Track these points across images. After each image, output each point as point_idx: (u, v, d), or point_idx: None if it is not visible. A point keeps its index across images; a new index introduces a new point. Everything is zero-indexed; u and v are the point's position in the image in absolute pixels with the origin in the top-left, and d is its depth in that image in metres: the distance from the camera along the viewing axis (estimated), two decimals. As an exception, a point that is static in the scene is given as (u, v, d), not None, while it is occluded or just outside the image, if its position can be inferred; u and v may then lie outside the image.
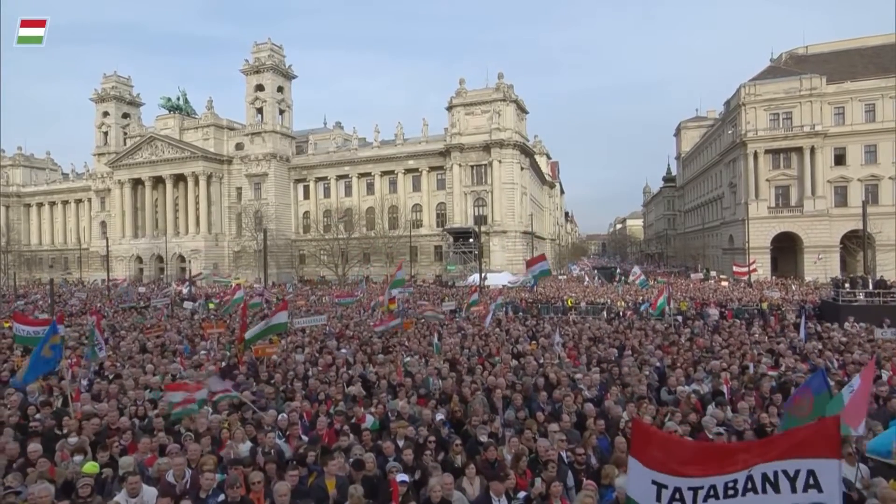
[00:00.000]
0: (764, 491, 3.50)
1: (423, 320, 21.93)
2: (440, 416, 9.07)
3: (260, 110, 72.81)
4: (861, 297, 24.29)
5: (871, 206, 42.14)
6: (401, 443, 7.67)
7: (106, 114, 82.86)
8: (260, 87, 72.28)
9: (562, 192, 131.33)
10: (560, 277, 58.43)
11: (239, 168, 73.54)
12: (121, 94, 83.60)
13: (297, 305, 30.34)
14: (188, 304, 32.48)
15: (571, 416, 8.82)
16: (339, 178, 72.36)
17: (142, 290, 47.85)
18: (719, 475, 3.50)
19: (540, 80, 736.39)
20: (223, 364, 14.09)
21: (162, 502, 5.61)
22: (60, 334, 10.54)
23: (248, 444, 7.88)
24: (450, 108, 64.46)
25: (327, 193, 73.62)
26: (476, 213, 63.67)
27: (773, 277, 51.64)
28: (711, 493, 3.51)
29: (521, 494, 6.20)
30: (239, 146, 73.95)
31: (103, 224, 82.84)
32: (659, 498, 3.58)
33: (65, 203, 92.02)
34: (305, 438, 8.26)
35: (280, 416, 8.86)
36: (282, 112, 74.54)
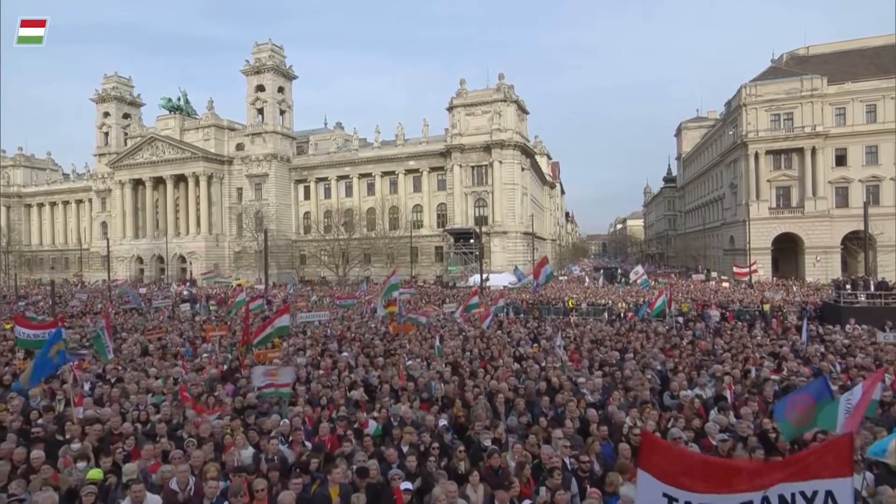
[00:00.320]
0: None
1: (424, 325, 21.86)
2: (443, 422, 9.02)
3: (260, 111, 72.81)
4: (862, 298, 24.25)
5: (872, 206, 42.09)
6: (405, 448, 7.63)
7: (106, 114, 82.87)
8: (260, 88, 72.29)
9: (562, 192, 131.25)
10: (561, 278, 58.36)
11: (239, 168, 73.52)
12: (121, 94, 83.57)
13: (298, 307, 30.33)
14: (185, 307, 32.46)
15: (574, 421, 8.72)
16: (340, 178, 72.36)
17: (142, 290, 47.80)
18: (733, 493, 3.46)
19: (540, 81, 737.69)
20: (225, 367, 14.09)
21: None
22: (64, 338, 10.50)
23: (251, 450, 7.84)
24: (450, 109, 64.43)
25: (328, 194, 73.60)
26: (477, 214, 63.61)
27: (774, 278, 51.58)
28: None
29: (526, 503, 6.15)
30: (239, 147, 73.94)
31: (104, 224, 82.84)
32: None
33: (65, 203, 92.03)
34: (309, 445, 8.23)
35: (282, 422, 8.83)
36: (282, 112, 74.52)
